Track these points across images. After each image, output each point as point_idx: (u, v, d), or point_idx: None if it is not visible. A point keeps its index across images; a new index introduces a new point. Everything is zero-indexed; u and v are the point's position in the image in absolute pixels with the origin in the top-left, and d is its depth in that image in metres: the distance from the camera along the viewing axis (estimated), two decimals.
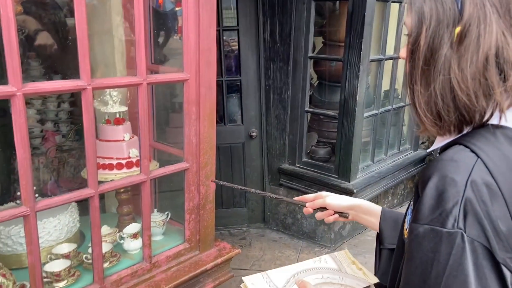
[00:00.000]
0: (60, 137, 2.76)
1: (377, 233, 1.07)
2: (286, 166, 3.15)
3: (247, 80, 3.12)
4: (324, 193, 1.15)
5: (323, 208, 1.13)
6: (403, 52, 0.79)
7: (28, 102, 2.62)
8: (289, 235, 3.20)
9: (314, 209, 1.14)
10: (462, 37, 0.67)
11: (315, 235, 3.07)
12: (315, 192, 1.18)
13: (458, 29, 0.68)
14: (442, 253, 0.62)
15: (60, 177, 2.76)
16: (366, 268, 1.05)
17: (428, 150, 0.79)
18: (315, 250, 2.98)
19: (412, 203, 0.74)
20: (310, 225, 3.08)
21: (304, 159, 3.09)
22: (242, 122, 3.21)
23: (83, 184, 2.86)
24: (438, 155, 0.76)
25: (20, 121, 1.23)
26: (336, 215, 1.11)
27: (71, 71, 2.62)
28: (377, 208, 1.08)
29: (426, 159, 3.79)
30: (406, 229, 0.75)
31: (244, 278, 0.90)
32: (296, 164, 3.12)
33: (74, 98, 2.92)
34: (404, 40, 0.72)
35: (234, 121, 3.25)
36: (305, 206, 1.15)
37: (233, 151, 3.23)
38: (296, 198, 1.19)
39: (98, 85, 1.39)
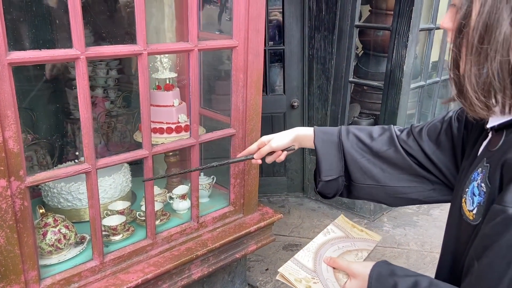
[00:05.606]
0: (109, 103, 2.88)
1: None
2: None
3: (290, 49, 3.10)
4: (264, 138, 1.16)
5: (270, 153, 1.15)
6: (446, 22, 0.73)
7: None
8: (328, 205, 3.24)
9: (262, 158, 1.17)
10: None
11: (354, 206, 3.09)
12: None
13: None
14: None
15: (109, 141, 2.90)
16: (364, 227, 1.14)
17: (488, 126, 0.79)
18: (354, 220, 3.01)
19: (485, 180, 0.69)
20: None
21: None
22: (284, 92, 3.21)
23: (130, 148, 2.98)
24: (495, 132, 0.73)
25: (83, 83, 1.30)
26: (285, 152, 1.15)
27: (120, 39, 2.70)
28: (309, 133, 1.12)
29: None
30: (471, 210, 0.72)
31: (280, 270, 0.94)
32: None
33: (122, 65, 3.02)
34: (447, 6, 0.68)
35: (276, 91, 3.26)
36: (253, 158, 1.17)
37: (274, 121, 3.26)
38: (239, 154, 1.21)
39: (153, 50, 1.44)
